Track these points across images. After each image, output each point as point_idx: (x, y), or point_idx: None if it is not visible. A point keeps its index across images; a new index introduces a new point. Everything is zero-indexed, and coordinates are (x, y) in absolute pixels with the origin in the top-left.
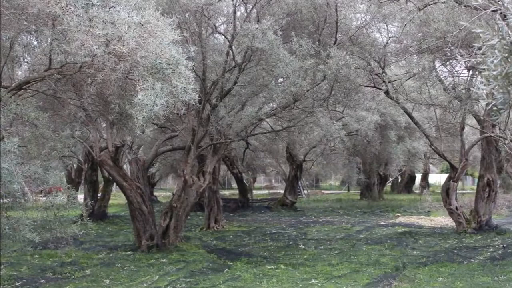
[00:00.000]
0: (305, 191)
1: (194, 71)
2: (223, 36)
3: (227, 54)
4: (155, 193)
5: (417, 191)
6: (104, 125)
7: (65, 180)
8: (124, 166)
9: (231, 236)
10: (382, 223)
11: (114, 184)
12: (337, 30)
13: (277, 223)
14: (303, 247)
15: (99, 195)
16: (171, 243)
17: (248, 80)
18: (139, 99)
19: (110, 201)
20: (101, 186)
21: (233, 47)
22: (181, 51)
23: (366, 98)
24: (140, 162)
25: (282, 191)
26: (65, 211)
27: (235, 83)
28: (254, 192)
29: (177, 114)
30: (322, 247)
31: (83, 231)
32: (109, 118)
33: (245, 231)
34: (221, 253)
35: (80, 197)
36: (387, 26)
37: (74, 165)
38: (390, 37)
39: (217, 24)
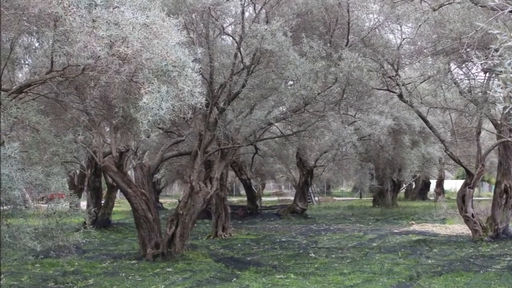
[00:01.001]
0: (316, 198)
1: (201, 74)
2: (231, 38)
3: (235, 56)
4: (160, 200)
5: (432, 198)
6: (108, 129)
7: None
8: (129, 172)
9: (239, 245)
10: (396, 231)
11: (118, 190)
12: (349, 31)
13: (287, 231)
14: (313, 256)
15: (102, 202)
16: (177, 251)
17: (257, 83)
18: (144, 103)
19: (114, 208)
20: (104, 192)
21: (241, 48)
22: (188, 53)
23: (379, 101)
24: (145, 168)
25: (292, 198)
26: (67, 218)
27: (243, 86)
28: (263, 199)
29: (184, 118)
30: (333, 256)
31: (86, 239)
32: (113, 122)
33: (254, 239)
34: (229, 262)
35: (83, 204)
36: (400, 27)
37: (77, 171)
38: (403, 39)
39: (224, 25)
